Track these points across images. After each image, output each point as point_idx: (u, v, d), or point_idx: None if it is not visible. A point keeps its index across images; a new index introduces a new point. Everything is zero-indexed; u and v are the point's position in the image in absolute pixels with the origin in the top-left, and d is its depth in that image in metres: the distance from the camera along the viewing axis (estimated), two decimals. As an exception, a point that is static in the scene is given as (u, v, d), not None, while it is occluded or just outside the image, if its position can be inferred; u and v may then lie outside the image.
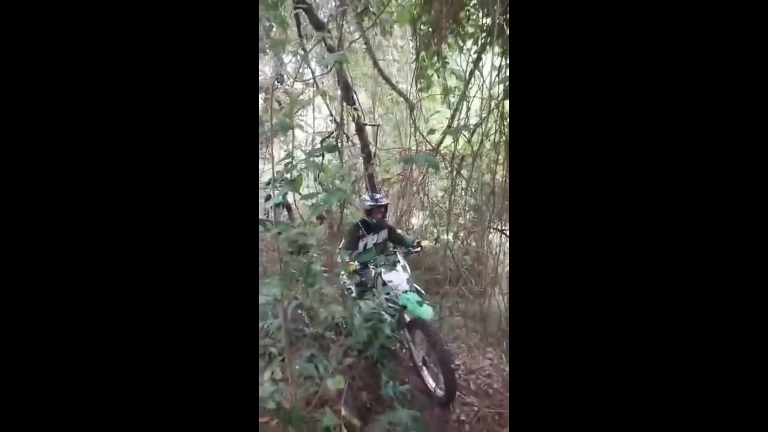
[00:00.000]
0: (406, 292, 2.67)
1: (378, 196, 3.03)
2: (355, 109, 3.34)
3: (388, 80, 3.28)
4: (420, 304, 2.55)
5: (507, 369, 3.08)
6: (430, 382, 2.68)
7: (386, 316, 2.11)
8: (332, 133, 3.71)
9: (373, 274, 2.77)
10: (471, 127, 2.59)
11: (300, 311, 2.07)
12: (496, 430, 2.46)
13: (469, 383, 2.99)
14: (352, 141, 4.15)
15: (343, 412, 1.79)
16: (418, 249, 3.14)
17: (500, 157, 3.20)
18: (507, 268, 3.44)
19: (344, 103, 3.40)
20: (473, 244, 4.35)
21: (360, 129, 3.65)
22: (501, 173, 3.14)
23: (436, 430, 2.45)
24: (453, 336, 3.61)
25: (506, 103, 2.85)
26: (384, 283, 2.65)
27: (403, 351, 3.02)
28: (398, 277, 2.73)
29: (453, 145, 3.09)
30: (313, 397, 1.53)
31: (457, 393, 2.72)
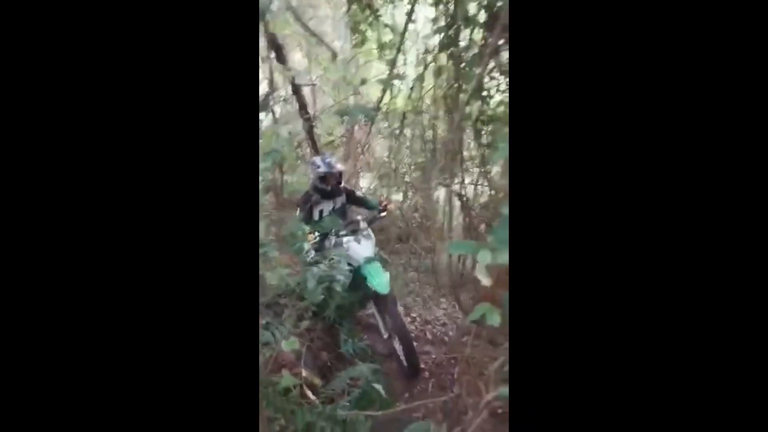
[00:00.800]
0: (370, 261, 2.53)
1: (330, 160, 2.80)
2: (288, 69, 3.18)
3: (305, 26, 3.12)
4: (381, 274, 2.46)
5: (460, 317, 3.24)
6: (400, 353, 2.58)
7: (339, 276, 2.10)
8: (267, 94, 3.54)
9: (333, 243, 2.59)
10: (403, 76, 2.55)
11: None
12: (452, 373, 2.61)
13: (426, 333, 3.13)
14: (288, 103, 3.99)
15: (304, 373, 1.82)
16: (384, 213, 2.88)
17: (440, 112, 3.22)
18: (455, 222, 3.56)
19: (274, 64, 3.22)
20: (421, 201, 4.44)
21: (296, 90, 3.50)
22: (442, 128, 3.17)
23: (396, 380, 2.56)
24: (407, 290, 3.73)
25: (442, 56, 2.84)
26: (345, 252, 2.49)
27: (361, 313, 3.03)
28: (362, 246, 2.56)
29: (392, 101, 3.05)
30: (269, 362, 1.53)
31: (415, 343, 2.83)
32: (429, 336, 3.10)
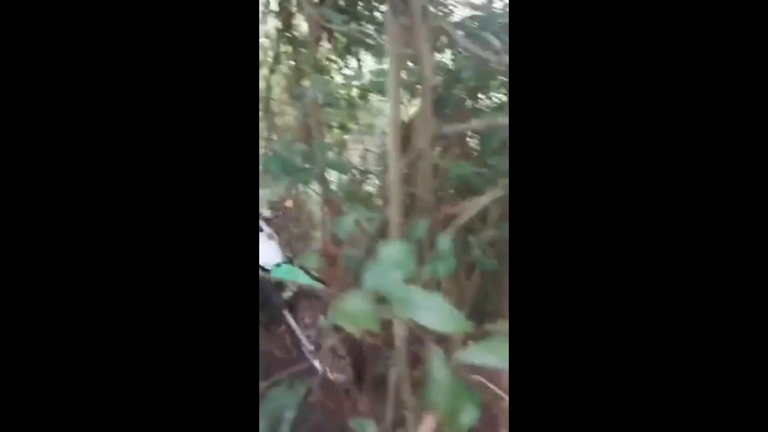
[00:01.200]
0: (278, 264, 2.27)
1: None
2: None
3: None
4: (299, 271, 2.19)
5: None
6: (326, 367, 2.14)
7: None
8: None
9: None
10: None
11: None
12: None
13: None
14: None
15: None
16: (281, 212, 2.73)
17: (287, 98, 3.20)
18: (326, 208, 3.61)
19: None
20: (293, 192, 4.41)
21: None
22: (292, 115, 3.15)
23: (289, 360, 2.43)
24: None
25: (279, 41, 2.81)
26: None
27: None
28: (265, 248, 2.30)
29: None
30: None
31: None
32: (307, 320, 3.10)
